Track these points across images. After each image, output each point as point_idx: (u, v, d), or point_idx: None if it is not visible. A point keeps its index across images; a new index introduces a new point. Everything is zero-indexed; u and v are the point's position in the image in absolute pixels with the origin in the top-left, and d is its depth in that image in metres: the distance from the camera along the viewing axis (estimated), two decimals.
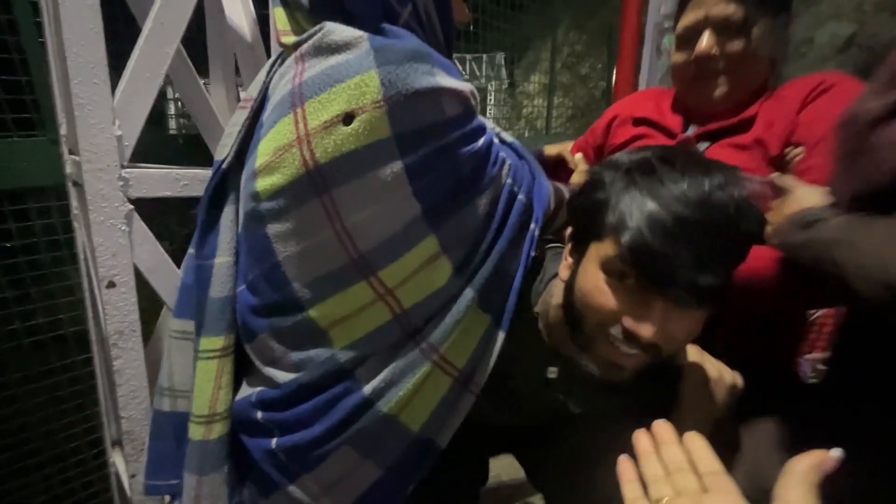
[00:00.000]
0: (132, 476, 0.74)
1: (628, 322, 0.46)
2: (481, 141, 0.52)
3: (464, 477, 0.83)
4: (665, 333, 0.45)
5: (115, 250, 0.64)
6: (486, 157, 0.53)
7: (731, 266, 0.46)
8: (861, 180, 0.48)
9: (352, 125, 0.45)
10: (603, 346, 0.49)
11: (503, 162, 0.55)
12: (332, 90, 0.46)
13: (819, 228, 0.52)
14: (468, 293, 0.53)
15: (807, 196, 0.59)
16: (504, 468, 1.56)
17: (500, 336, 0.57)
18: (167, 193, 0.68)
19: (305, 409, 0.54)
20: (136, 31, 0.67)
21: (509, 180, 0.55)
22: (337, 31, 0.48)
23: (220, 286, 0.56)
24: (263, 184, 0.49)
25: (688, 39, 0.72)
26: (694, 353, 0.62)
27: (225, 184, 0.57)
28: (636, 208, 0.45)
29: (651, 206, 0.44)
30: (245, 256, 0.56)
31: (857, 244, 0.46)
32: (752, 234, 0.46)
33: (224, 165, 0.57)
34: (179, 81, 0.78)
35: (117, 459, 0.85)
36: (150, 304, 0.74)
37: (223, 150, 0.58)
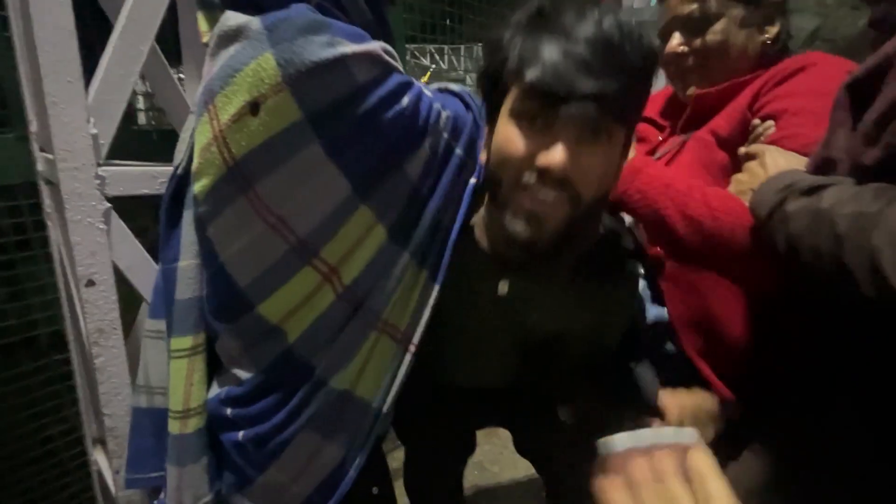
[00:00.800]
0: (117, 472, 0.74)
1: (540, 159, 0.46)
2: (406, 99, 0.49)
3: (449, 448, 0.87)
4: (575, 165, 0.45)
5: (93, 249, 0.64)
6: (414, 115, 0.50)
7: (629, 82, 0.45)
8: (886, 152, 0.41)
9: (259, 115, 0.44)
10: (521, 197, 0.48)
11: (438, 115, 0.53)
12: (233, 81, 0.45)
13: (824, 197, 0.44)
14: (405, 255, 0.53)
15: (782, 157, 0.55)
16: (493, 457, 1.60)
17: (435, 290, 0.57)
18: (145, 191, 0.68)
19: (269, 403, 0.55)
20: (107, 25, 0.67)
21: (446, 134, 0.53)
22: (231, 17, 0.46)
23: (185, 289, 0.56)
24: (198, 187, 0.50)
25: (664, 39, 0.75)
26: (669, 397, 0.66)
27: (182, 189, 0.57)
28: (532, 46, 0.46)
29: (545, 38, 0.45)
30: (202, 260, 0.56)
31: (872, 227, 0.37)
32: (646, 56, 0.46)
33: (179, 171, 0.57)
34: (153, 77, 0.77)
35: (99, 458, 0.85)
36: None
37: (178, 156, 0.58)
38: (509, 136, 0.48)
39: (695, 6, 0.68)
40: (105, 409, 0.71)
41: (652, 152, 0.78)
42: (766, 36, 0.69)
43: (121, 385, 0.71)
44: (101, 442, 0.84)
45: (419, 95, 0.51)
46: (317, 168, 0.47)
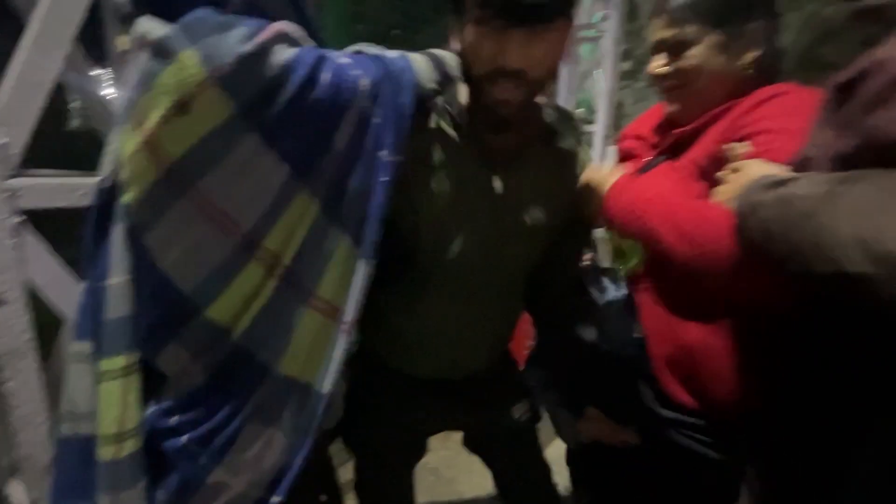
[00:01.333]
0: (34, 503, 0.69)
1: (499, 60, 0.57)
2: (325, 74, 0.51)
3: (400, 452, 0.88)
4: (527, 60, 0.57)
5: (2, 266, 0.60)
6: (335, 88, 0.52)
7: None
8: (867, 137, 0.41)
9: (190, 113, 0.44)
10: (490, 88, 0.60)
11: (355, 82, 0.54)
12: (156, 83, 0.45)
13: (793, 185, 0.45)
14: (335, 230, 0.55)
15: (764, 167, 0.55)
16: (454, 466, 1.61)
17: (362, 266, 0.57)
18: (63, 204, 0.64)
19: (214, 402, 0.54)
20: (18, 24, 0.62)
21: (365, 102, 0.55)
22: (145, 23, 0.47)
23: (116, 307, 0.54)
24: (128, 197, 0.49)
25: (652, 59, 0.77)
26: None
27: (110, 203, 0.54)
28: None
29: None
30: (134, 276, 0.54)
31: (842, 200, 0.38)
32: None
33: (106, 185, 0.54)
34: (75, 83, 0.73)
35: (13, 490, 0.78)
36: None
37: (105, 170, 0.55)
38: (473, 42, 0.59)
39: (674, 31, 0.69)
40: (20, 437, 0.66)
41: (647, 166, 0.79)
42: (744, 61, 0.69)
43: (36, 411, 0.66)
44: (16, 472, 0.78)
45: (338, 68, 0.53)
46: (257, 158, 0.48)
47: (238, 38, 0.45)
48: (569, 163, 0.75)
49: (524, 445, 0.90)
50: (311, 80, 0.50)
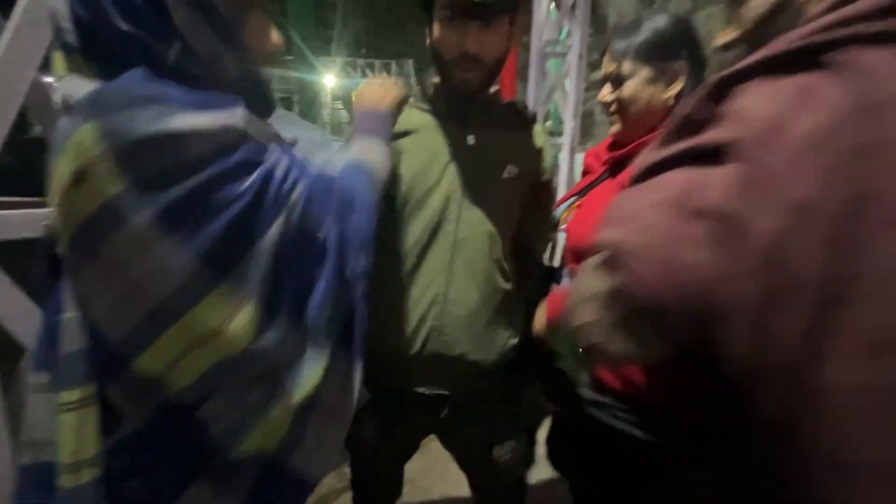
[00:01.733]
0: None
1: (460, 48, 0.73)
2: (249, 180, 0.50)
3: (394, 451, 0.91)
4: (481, 47, 0.72)
5: None
6: (260, 194, 0.51)
7: None
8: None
9: (85, 183, 0.45)
10: (455, 70, 0.76)
11: (283, 192, 0.53)
12: (63, 150, 0.45)
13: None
14: (294, 335, 0.55)
15: None
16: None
17: (358, 366, 0.60)
18: (27, 235, 0.63)
19: (158, 452, 0.55)
20: None
21: (302, 214, 0.54)
22: (64, 85, 0.48)
23: (71, 341, 0.54)
24: (59, 246, 0.50)
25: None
26: None
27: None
28: None
29: None
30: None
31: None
32: None
33: (52, 221, 0.54)
34: (37, 111, 0.73)
35: None
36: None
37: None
38: (439, 34, 0.74)
39: (615, 66, 0.83)
40: None
41: (594, 182, 0.91)
42: (670, 93, 0.81)
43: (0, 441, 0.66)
44: None
45: (267, 175, 0.52)
46: (151, 239, 0.47)
47: (146, 118, 0.45)
48: (528, 128, 0.90)
49: (504, 473, 0.92)
50: (228, 178, 0.49)
